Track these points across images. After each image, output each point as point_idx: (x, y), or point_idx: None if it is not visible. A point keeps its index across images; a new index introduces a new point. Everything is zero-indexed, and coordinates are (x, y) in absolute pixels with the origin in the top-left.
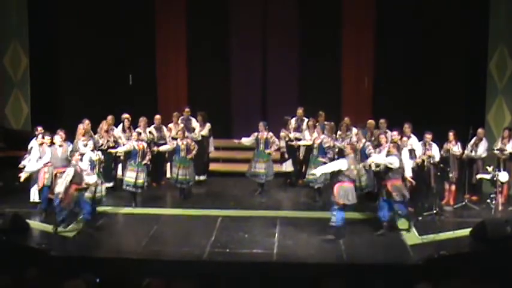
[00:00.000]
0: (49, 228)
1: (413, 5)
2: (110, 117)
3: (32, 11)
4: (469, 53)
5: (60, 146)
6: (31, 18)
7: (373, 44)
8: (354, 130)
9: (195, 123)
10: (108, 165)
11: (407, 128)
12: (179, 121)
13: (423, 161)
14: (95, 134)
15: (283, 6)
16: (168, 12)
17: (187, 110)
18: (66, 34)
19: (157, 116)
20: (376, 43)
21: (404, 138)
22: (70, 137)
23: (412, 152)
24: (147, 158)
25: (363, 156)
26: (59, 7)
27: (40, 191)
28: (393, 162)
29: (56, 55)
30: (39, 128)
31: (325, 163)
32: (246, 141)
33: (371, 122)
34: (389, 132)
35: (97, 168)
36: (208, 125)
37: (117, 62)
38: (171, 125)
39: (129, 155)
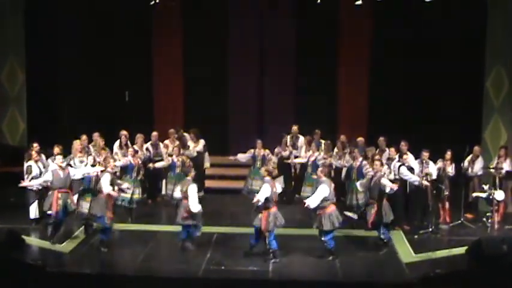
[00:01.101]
0: (44, 244)
1: (411, 26)
2: (96, 134)
3: (29, 28)
4: (465, 71)
5: (62, 168)
6: (28, 35)
7: (369, 62)
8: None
9: (189, 140)
10: None
11: (403, 145)
12: (174, 138)
13: (421, 179)
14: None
15: (280, 24)
16: (165, 30)
17: (179, 128)
18: (63, 51)
19: (154, 133)
20: (373, 61)
21: (405, 156)
22: (66, 153)
23: (410, 170)
24: (141, 173)
25: (360, 174)
26: (56, 24)
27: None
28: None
29: (53, 72)
30: (35, 145)
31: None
32: (242, 157)
33: (361, 139)
34: (387, 150)
35: (93, 185)
36: (202, 141)
37: (114, 79)
38: (167, 142)
39: (125, 170)
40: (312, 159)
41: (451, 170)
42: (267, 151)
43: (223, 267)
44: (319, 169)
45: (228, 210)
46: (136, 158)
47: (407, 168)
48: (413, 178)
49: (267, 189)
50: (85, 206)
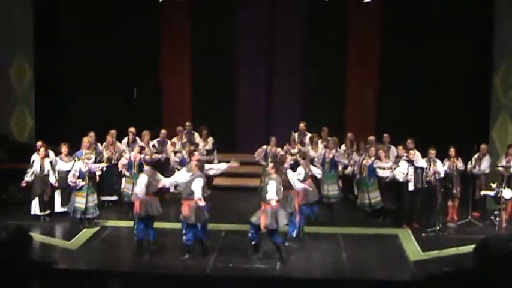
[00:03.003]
0: (51, 240)
1: (418, 23)
2: (113, 131)
3: (37, 25)
4: (473, 68)
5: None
6: (36, 32)
7: (377, 59)
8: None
9: (198, 137)
10: (112, 178)
11: (410, 143)
12: (182, 135)
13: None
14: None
15: (289, 22)
16: (174, 27)
17: (188, 124)
18: (71, 47)
19: (163, 131)
20: (381, 59)
21: (411, 152)
22: (74, 150)
23: (416, 168)
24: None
25: (371, 172)
26: (64, 21)
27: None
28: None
29: (61, 68)
30: (39, 143)
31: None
32: (257, 154)
33: (372, 138)
34: (392, 147)
35: (87, 180)
36: (211, 139)
37: (122, 76)
38: (174, 139)
39: (127, 166)
40: (330, 156)
41: (460, 164)
42: (279, 149)
43: (230, 265)
44: (193, 163)
45: (235, 208)
46: (138, 155)
47: (412, 166)
48: (399, 175)
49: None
50: (78, 201)
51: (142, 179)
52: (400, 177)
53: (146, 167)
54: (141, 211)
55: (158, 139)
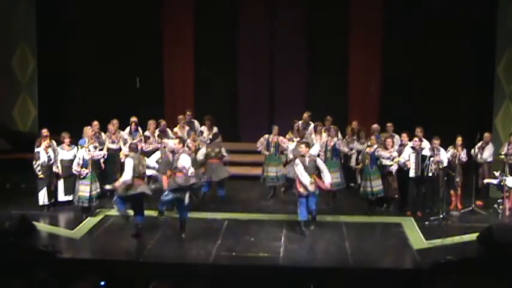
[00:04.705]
0: (55, 230)
1: (421, 8)
2: (115, 121)
3: (40, 14)
4: (476, 57)
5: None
6: (39, 21)
7: (380, 48)
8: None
9: (197, 125)
10: (114, 167)
11: (419, 131)
12: (183, 124)
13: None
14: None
15: (291, 11)
16: (176, 17)
17: (188, 112)
18: (74, 37)
19: (163, 121)
20: (384, 47)
21: (416, 139)
22: (77, 139)
23: (417, 155)
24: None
25: (373, 161)
26: (67, 11)
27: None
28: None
29: (64, 57)
30: (44, 131)
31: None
32: (259, 144)
33: (376, 126)
34: (396, 135)
35: (90, 168)
36: (215, 129)
37: (125, 65)
38: (176, 129)
39: None
40: (332, 144)
41: (463, 155)
42: (281, 137)
43: (233, 253)
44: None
45: (238, 197)
46: (147, 144)
47: (415, 152)
48: (402, 160)
49: None
50: (82, 190)
51: (129, 163)
52: (400, 162)
53: (132, 153)
54: (120, 191)
55: (158, 128)
